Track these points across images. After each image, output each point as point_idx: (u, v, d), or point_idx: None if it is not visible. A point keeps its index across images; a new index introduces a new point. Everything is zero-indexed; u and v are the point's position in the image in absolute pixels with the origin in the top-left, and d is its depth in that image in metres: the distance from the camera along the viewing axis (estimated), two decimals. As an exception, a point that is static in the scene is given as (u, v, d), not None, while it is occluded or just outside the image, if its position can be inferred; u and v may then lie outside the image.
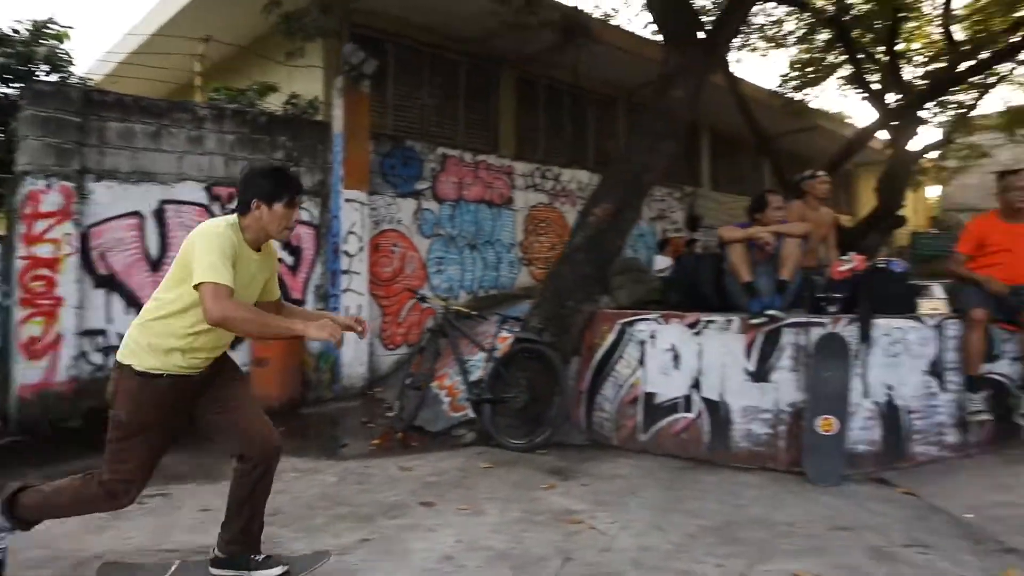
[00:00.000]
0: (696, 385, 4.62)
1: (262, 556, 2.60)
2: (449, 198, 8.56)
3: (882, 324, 4.21)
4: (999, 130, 18.39)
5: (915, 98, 13.03)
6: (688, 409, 4.62)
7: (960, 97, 16.87)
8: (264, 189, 2.48)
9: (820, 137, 16.43)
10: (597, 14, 9.75)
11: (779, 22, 14.20)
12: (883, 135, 14.61)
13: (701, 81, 5.72)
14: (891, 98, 13.66)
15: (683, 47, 5.63)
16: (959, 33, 13.64)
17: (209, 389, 2.56)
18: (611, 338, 5.03)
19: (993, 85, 16.14)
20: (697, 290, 4.88)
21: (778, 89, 14.80)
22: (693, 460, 4.53)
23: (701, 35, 6.17)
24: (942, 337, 4.23)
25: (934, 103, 16.22)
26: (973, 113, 18.20)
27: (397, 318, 7.85)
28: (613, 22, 10.38)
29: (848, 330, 4.21)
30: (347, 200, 7.13)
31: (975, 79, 15.73)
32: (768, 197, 4.68)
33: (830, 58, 14.19)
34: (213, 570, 2.59)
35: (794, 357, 4.31)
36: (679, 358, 4.66)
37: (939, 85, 13.33)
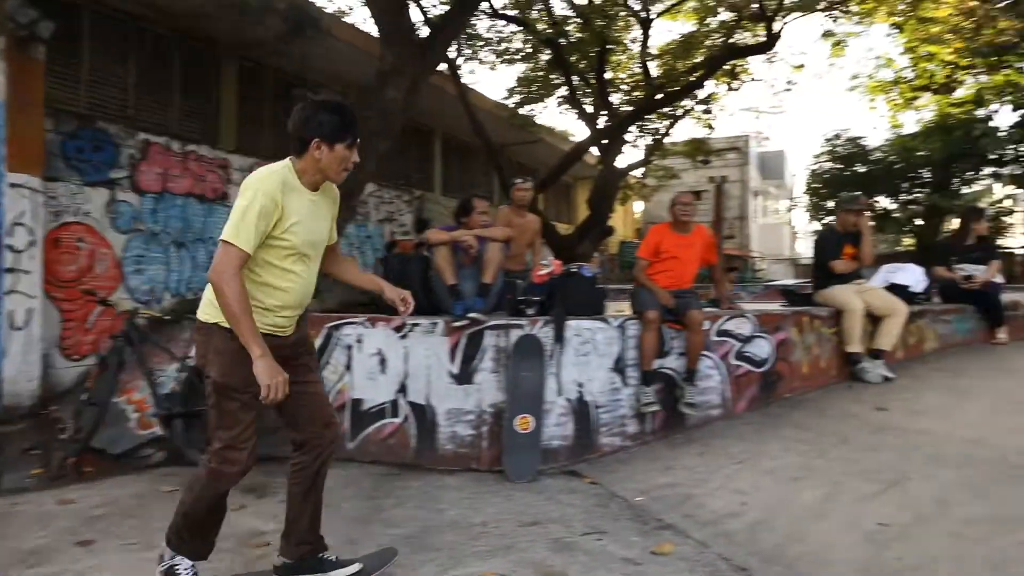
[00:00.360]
0: (403, 389, 4.53)
1: (335, 556, 2.57)
2: (152, 190, 7.61)
3: (573, 325, 4.49)
4: (685, 156, 21.31)
5: (620, 121, 14.51)
6: (395, 414, 4.52)
7: (656, 124, 19.21)
8: (328, 127, 2.30)
9: (544, 150, 17.64)
10: (330, 9, 9.50)
11: (508, 39, 14.98)
12: (595, 152, 16.08)
13: (415, 83, 5.71)
14: (601, 120, 15.12)
15: (397, 47, 5.57)
16: (654, 69, 15.52)
17: (288, 363, 2.38)
18: (318, 343, 4.77)
19: (680, 117, 18.64)
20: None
21: (505, 102, 15.61)
22: (400, 466, 4.45)
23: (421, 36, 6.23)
24: (624, 336, 4.63)
25: (636, 127, 18.31)
26: (667, 139, 20.89)
27: (84, 324, 6.77)
28: (348, 19, 10.16)
29: (544, 331, 4.43)
30: (12, 185, 5.94)
31: (665, 110, 18.06)
32: (474, 201, 4.77)
33: (552, 78, 15.28)
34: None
35: (495, 359, 4.42)
36: (386, 362, 4.54)
37: (638, 112, 14.97)
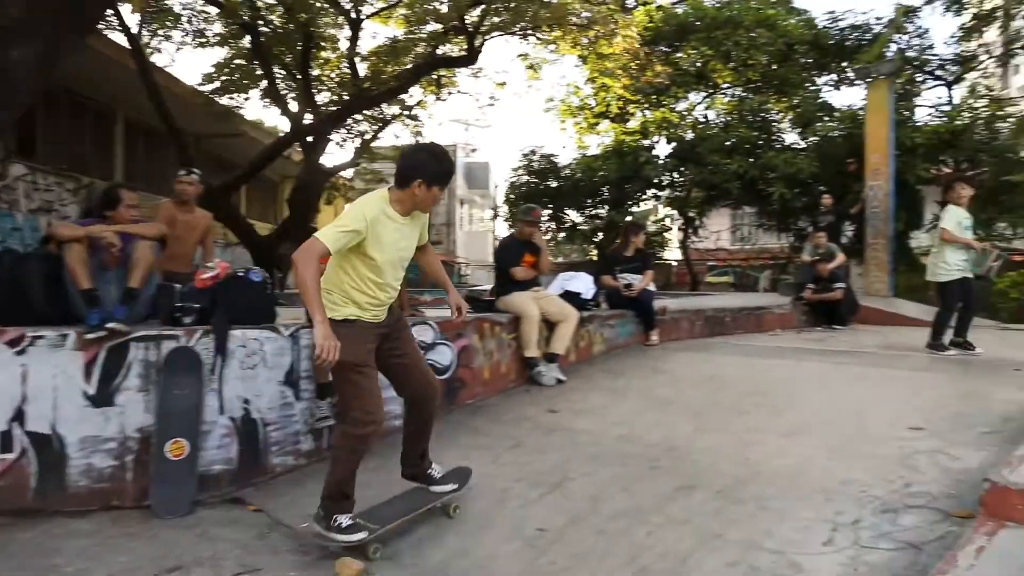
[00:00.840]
0: (19, 417, 3.65)
1: (439, 473, 3.43)
2: None
3: (238, 335, 4.02)
4: (394, 160, 21.31)
5: (324, 120, 14.00)
6: (7, 449, 3.62)
7: (364, 127, 18.98)
8: (430, 171, 2.89)
9: (249, 145, 16.37)
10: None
11: (209, 19, 13.66)
12: (300, 150, 15.35)
13: (54, 43, 4.74)
14: (307, 117, 14.46)
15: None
16: (362, 70, 15.26)
17: (388, 340, 3.14)
18: None
19: (389, 121, 18.65)
20: (22, 297, 3.91)
21: (201, 88, 14.22)
22: (14, 513, 3.57)
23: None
24: (297, 346, 4.26)
25: (344, 128, 17.88)
26: (376, 143, 20.77)
27: None
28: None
29: (203, 343, 3.89)
30: None
31: (372, 113, 17.92)
32: (120, 192, 4.06)
33: (254, 68, 14.25)
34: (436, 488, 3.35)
35: (143, 376, 3.77)
36: (-7, 385, 3.63)
37: (344, 112, 14.59)
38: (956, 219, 5.97)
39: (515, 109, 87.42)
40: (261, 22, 12.68)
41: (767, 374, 5.33)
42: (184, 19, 13.89)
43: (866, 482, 3.16)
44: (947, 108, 14.12)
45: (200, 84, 14.33)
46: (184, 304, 4.10)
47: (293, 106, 14.83)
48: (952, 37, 14.83)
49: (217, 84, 14.38)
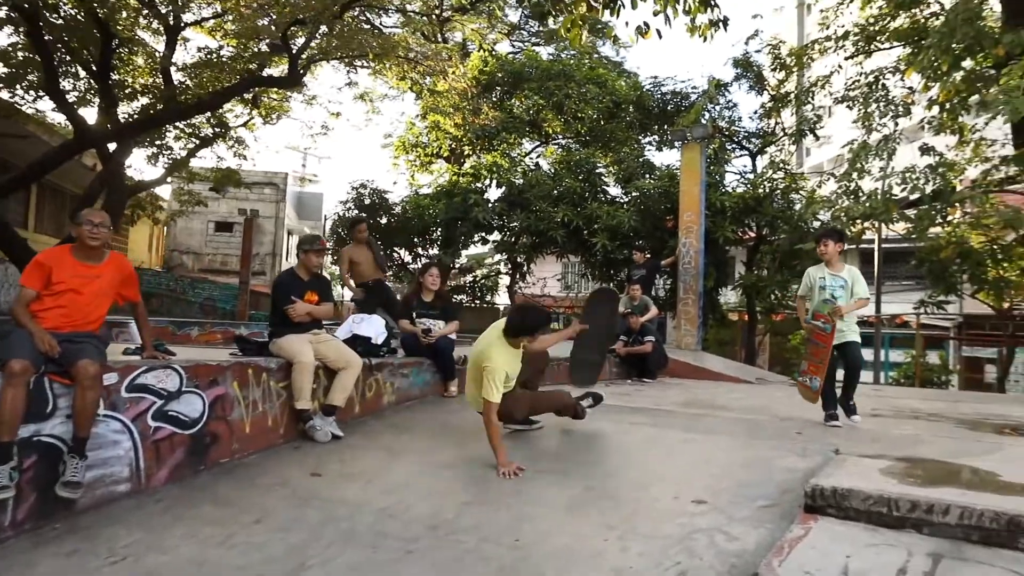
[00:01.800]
0: None
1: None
2: None
3: None
4: (216, 183, 19.75)
5: (124, 129, 12.53)
6: None
7: (180, 144, 17.41)
8: (539, 326, 4.60)
9: (43, 149, 14.29)
10: None
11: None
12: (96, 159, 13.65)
13: None
14: (102, 122, 12.88)
15: None
16: (177, 79, 13.93)
17: None
18: None
19: (210, 140, 17.23)
20: None
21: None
22: None
23: None
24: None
25: (154, 144, 16.25)
26: (196, 163, 19.11)
27: None
28: None
29: None
30: None
31: (188, 130, 16.46)
32: None
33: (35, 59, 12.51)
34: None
35: None
36: None
37: (148, 123, 13.20)
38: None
39: (357, 143, 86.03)
40: (48, 10, 11.13)
41: (562, 435, 5.00)
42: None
43: (640, 570, 2.81)
44: (751, 176, 15.22)
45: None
46: None
47: (92, 111, 13.22)
48: (755, 113, 16.14)
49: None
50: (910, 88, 12.39)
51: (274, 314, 5.09)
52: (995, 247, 13.40)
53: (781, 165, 15.23)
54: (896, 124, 11.49)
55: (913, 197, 11.16)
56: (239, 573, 2.93)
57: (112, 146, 12.96)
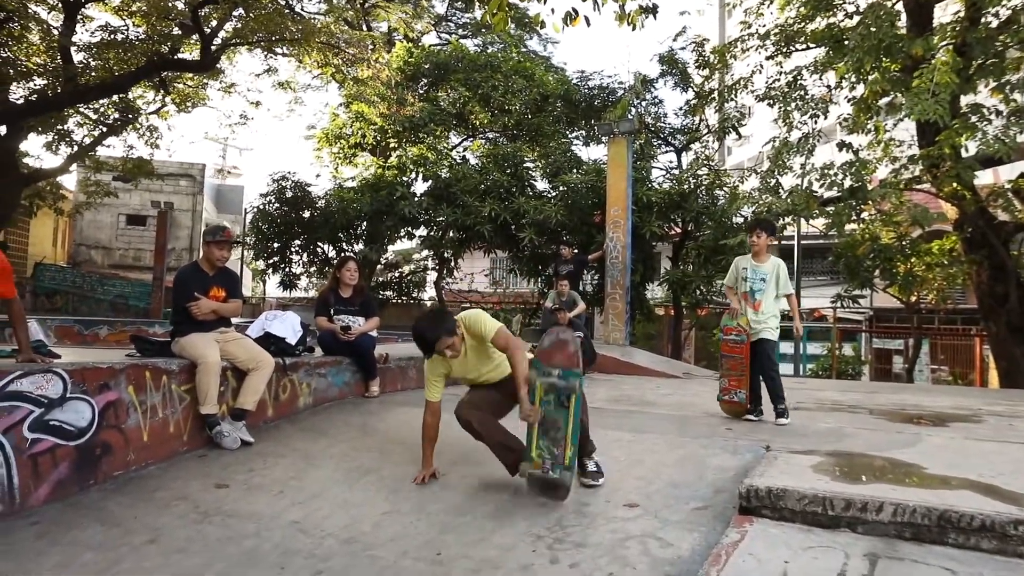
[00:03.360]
0: None
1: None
2: None
3: None
4: (126, 173, 18.63)
5: (15, 111, 11.61)
6: None
7: (83, 130, 16.38)
8: (431, 341, 3.70)
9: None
10: None
11: None
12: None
13: None
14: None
15: None
16: (77, 59, 13.03)
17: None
18: None
19: (117, 127, 16.23)
20: None
21: None
22: None
23: None
24: None
25: (50, 128, 15.20)
26: (103, 151, 18.00)
27: None
28: None
29: None
30: None
31: (93, 116, 15.45)
32: None
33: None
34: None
35: None
36: None
37: (43, 104, 12.28)
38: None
39: (280, 135, 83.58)
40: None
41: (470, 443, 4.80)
42: None
43: (570, 582, 2.63)
44: (677, 172, 15.38)
45: None
46: None
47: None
48: (680, 110, 16.33)
49: None
50: (828, 87, 12.73)
51: (176, 312, 4.66)
52: (904, 243, 13.97)
53: (705, 161, 15.44)
54: (816, 122, 11.77)
55: (830, 194, 11.46)
56: (123, 604, 2.60)
57: (2, 130, 12.00)
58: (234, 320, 5.13)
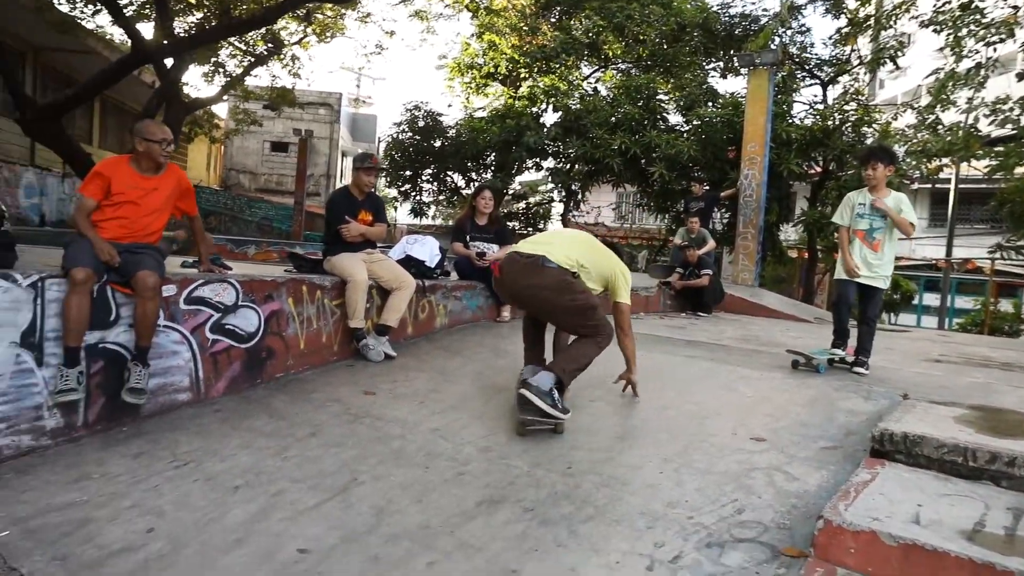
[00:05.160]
0: None
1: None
2: None
3: (-48, 281, 3.11)
4: (271, 102, 19.71)
5: (178, 44, 12.48)
6: None
7: (235, 61, 17.33)
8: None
9: (98, 64, 14.43)
10: None
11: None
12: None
13: None
14: (158, 36, 12.86)
15: None
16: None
17: None
18: None
19: (265, 58, 17.09)
20: None
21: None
22: None
23: None
24: (42, 301, 3.38)
25: (207, 60, 16.19)
26: (251, 81, 19.07)
27: None
28: None
29: None
30: None
31: (242, 46, 16.30)
32: None
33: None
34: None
35: None
36: None
37: (201, 37, 13.10)
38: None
39: (412, 65, 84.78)
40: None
41: (617, 364, 4.91)
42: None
43: (695, 504, 2.74)
44: (821, 107, 14.42)
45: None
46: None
47: (149, 26, 13.20)
48: (830, 39, 15.16)
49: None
50: (1014, 7, 11.33)
51: (328, 232, 5.06)
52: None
53: (855, 96, 14.35)
54: (994, 50, 10.55)
55: (999, 133, 10.41)
56: (294, 484, 2.97)
57: (169, 62, 12.97)
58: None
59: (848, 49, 14.91)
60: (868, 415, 3.77)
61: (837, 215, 5.23)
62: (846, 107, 13.40)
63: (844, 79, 15.42)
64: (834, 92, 15.44)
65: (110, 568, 2.40)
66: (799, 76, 14.92)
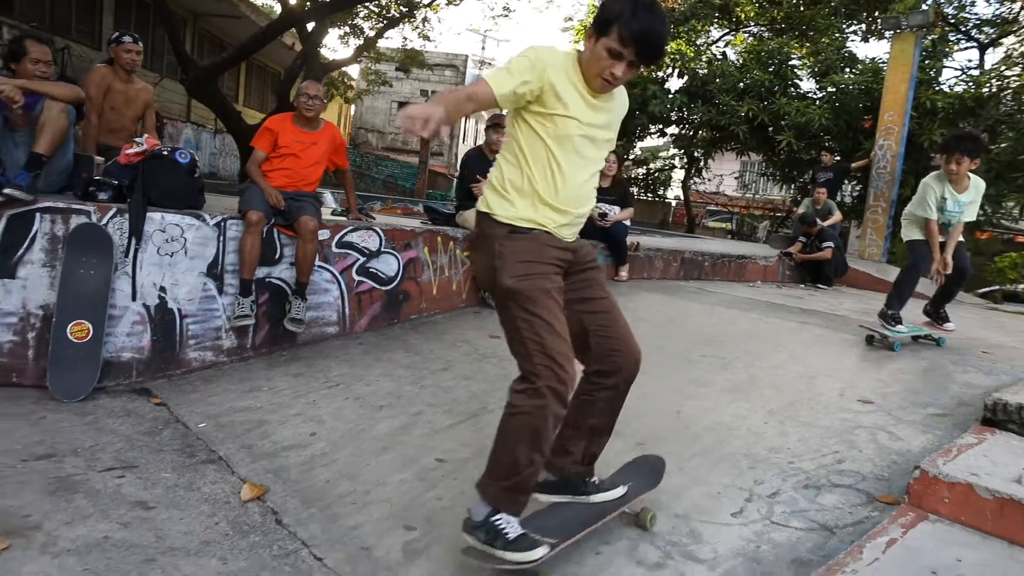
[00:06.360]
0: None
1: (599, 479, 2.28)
2: None
3: (157, 219, 3.72)
4: (400, 63, 20.46)
5: (320, 8, 13.23)
6: None
7: (369, 23, 18.08)
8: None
9: (252, 29, 15.61)
10: None
11: None
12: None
13: None
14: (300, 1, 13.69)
15: None
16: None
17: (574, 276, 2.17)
18: None
19: (397, 20, 17.75)
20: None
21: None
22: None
23: None
24: (224, 238, 3.96)
25: (344, 23, 16.98)
26: (382, 43, 19.87)
27: None
28: None
29: (117, 222, 3.59)
30: None
31: (375, 8, 16.96)
32: (27, 43, 3.65)
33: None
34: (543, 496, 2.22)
35: (49, 250, 3.51)
36: None
37: (345, 1, 13.81)
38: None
39: (538, 27, 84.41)
40: None
41: (729, 325, 5.06)
42: None
43: (797, 452, 2.93)
44: (975, 73, 13.39)
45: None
46: (102, 179, 3.78)
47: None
48: (996, -5, 13.95)
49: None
50: None
51: (461, 188, 5.45)
52: None
53: (1020, 59, 13.17)
54: None
55: None
56: (431, 408, 3.40)
57: (310, 26, 13.80)
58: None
59: (1017, 6, 13.65)
60: (985, 388, 3.76)
61: (920, 207, 4.86)
62: (1007, 73, 12.37)
63: (1008, 41, 14.16)
64: (993, 57, 14.27)
65: (283, 459, 2.90)
66: (953, 39, 13.86)
